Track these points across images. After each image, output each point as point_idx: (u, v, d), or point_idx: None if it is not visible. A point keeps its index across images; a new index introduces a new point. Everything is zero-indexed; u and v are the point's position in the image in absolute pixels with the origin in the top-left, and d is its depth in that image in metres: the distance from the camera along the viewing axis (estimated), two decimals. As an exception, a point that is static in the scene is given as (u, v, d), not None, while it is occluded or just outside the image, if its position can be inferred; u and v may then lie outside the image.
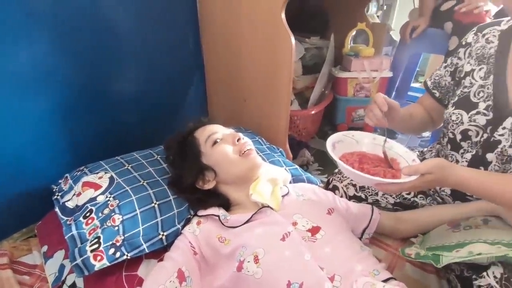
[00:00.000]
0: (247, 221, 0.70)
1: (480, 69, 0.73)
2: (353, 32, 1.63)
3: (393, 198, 0.91)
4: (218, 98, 1.41)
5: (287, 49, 1.03)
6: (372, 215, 0.82)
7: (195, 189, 0.79)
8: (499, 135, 0.67)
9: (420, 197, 0.89)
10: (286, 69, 1.07)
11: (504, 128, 0.66)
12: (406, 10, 1.92)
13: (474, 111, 0.71)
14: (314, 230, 0.68)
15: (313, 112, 1.50)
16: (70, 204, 0.78)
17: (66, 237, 0.70)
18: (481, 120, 0.70)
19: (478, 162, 0.71)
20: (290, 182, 0.94)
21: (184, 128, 0.86)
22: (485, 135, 0.70)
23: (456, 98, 0.76)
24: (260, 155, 0.89)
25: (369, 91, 1.62)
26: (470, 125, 0.72)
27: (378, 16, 2.27)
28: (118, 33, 1.05)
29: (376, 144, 0.74)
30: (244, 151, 0.77)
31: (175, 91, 1.34)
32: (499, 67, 0.69)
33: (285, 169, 0.97)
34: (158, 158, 0.94)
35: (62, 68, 0.93)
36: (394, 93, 1.97)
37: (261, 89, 1.19)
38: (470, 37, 0.78)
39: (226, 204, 0.78)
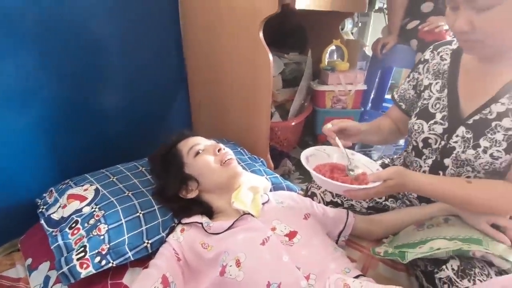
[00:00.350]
0: (229, 228, 0.74)
1: (436, 83, 0.81)
2: (332, 47, 1.72)
3: (367, 202, 0.97)
4: (201, 111, 1.45)
5: (266, 65, 1.10)
6: (347, 218, 0.87)
7: (179, 198, 0.82)
8: (454, 142, 0.75)
9: (391, 201, 0.95)
10: (266, 83, 1.14)
11: (457, 136, 0.74)
12: (380, 27, 2.05)
13: (432, 121, 0.79)
14: (291, 235, 0.72)
15: (293, 123, 1.56)
16: (55, 216, 0.79)
17: (52, 247, 0.71)
18: (439, 129, 0.78)
19: (437, 167, 0.79)
20: (271, 190, 0.98)
21: (168, 141, 0.90)
22: (443, 143, 0.77)
23: (418, 109, 0.84)
24: (241, 165, 0.93)
25: (346, 103, 1.71)
26: (430, 133, 0.79)
27: (353, 33, 2.40)
28: (102, 48, 1.08)
29: (345, 157, 0.81)
30: (225, 161, 0.81)
31: (160, 106, 1.37)
32: (452, 81, 0.78)
33: (266, 177, 1.01)
34: (143, 170, 0.96)
35: (46, 82, 0.95)
36: (369, 104, 2.08)
37: (243, 103, 1.25)
38: (427, 54, 0.86)
39: (209, 212, 0.82)
